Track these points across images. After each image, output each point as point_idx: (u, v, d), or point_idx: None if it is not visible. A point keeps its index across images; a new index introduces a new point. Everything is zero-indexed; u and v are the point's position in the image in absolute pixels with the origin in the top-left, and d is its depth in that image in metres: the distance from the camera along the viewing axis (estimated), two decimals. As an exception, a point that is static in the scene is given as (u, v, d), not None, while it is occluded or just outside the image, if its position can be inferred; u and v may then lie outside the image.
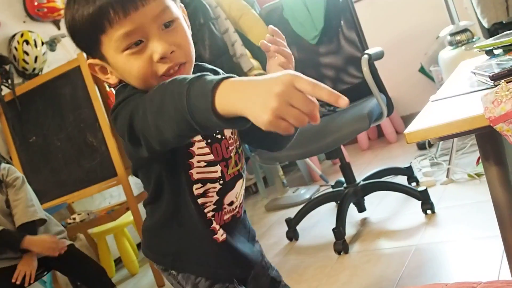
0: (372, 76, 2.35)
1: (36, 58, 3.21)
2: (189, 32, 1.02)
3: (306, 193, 3.35)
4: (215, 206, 1.10)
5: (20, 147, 2.99)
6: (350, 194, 2.53)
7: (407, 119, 3.87)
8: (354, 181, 2.59)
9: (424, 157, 3.06)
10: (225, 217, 1.15)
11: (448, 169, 2.67)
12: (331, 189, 2.91)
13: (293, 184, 3.65)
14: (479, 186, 2.44)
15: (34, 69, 3.23)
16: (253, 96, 0.69)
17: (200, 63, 1.15)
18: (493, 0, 2.57)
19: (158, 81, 0.95)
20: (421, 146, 3.26)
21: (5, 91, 3.00)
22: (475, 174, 2.54)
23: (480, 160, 1.69)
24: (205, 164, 1.07)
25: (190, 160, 1.04)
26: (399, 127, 3.85)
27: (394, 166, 2.98)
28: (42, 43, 3.29)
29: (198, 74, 0.80)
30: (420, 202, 2.39)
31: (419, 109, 3.73)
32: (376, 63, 2.46)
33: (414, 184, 2.76)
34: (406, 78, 3.79)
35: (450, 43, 2.79)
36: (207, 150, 1.06)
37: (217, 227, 1.11)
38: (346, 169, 2.59)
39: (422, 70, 3.75)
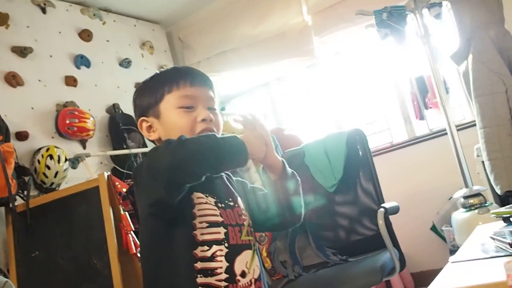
0: (387, 230, 2.35)
1: (56, 173, 3.26)
2: (221, 124, 1.37)
3: None
4: (227, 276, 1.17)
5: (20, 260, 2.92)
6: None
7: (417, 277, 3.78)
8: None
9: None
10: None
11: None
12: None
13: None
14: None
15: (52, 183, 3.27)
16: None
17: None
18: (506, 169, 2.64)
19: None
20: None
21: (19, 201, 3.01)
22: None
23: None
24: (207, 225, 1.20)
25: (193, 222, 1.19)
26: (408, 284, 3.74)
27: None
28: (66, 160, 3.37)
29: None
30: None
31: (429, 267, 3.66)
32: (390, 217, 2.47)
33: None
34: (417, 235, 3.77)
35: (463, 206, 2.82)
36: (213, 212, 1.23)
37: None
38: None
39: (434, 228, 3.74)
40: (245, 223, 1.30)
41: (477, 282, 0.96)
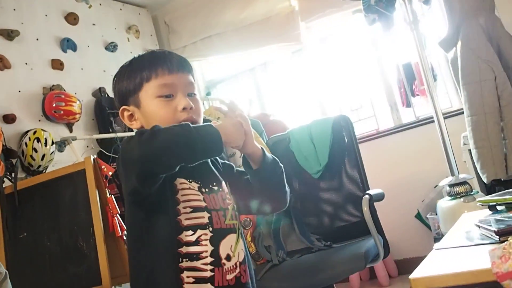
0: (372, 217, 2.37)
1: (43, 156, 3.25)
2: (201, 109, 1.36)
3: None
4: (212, 259, 1.19)
5: (8, 241, 2.92)
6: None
7: (400, 264, 3.82)
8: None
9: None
10: (228, 276, 1.20)
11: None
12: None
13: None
14: None
15: (39, 166, 3.26)
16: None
17: None
18: (492, 158, 2.66)
19: None
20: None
21: (7, 183, 3.00)
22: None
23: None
24: (191, 210, 1.22)
25: (177, 207, 1.20)
26: (392, 271, 3.79)
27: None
28: (52, 143, 3.36)
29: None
30: None
31: (413, 254, 3.71)
32: (375, 204, 2.49)
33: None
34: (402, 222, 3.80)
35: (449, 194, 2.85)
36: (196, 197, 1.24)
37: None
38: (337, 309, 2.52)
39: (418, 216, 3.78)
40: (229, 207, 1.31)
41: (462, 269, 0.97)
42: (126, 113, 1.34)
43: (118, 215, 2.85)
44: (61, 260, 2.84)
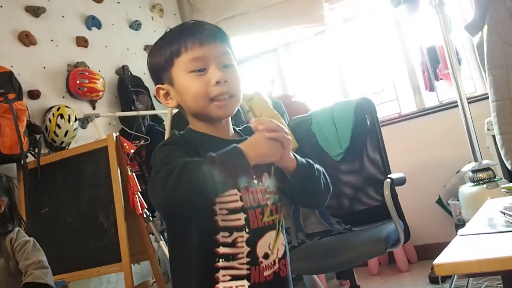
0: (393, 201, 2.35)
1: (66, 132, 3.29)
2: (241, 80, 1.27)
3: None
4: (249, 259, 1.15)
5: (30, 215, 2.98)
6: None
7: (420, 249, 3.81)
8: (361, 305, 2.50)
9: (436, 292, 2.97)
10: (265, 273, 1.16)
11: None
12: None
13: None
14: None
15: (62, 142, 3.30)
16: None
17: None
18: (517, 144, 2.61)
19: (208, 103, 1.21)
20: (433, 280, 3.17)
21: (30, 158, 3.05)
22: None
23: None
24: (227, 212, 1.16)
25: (214, 207, 1.15)
26: (411, 257, 3.78)
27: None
28: (76, 119, 3.39)
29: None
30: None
31: (433, 240, 3.70)
32: (396, 188, 2.47)
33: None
34: (423, 207, 3.78)
35: (472, 180, 2.81)
36: (233, 197, 1.17)
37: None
38: (355, 292, 2.51)
39: (439, 202, 3.75)
40: (268, 202, 1.23)
41: (486, 255, 0.96)
42: (161, 92, 1.29)
43: (139, 192, 2.87)
44: (81, 235, 2.89)
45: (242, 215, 1.16)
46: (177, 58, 1.22)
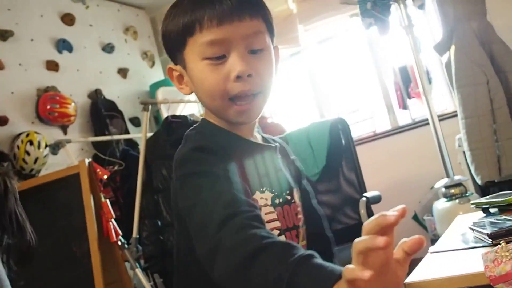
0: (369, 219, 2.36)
1: (36, 159, 3.23)
2: (274, 69, 0.99)
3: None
4: None
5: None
6: None
7: (397, 266, 3.81)
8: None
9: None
10: None
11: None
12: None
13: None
14: None
15: (32, 170, 3.24)
16: None
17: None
18: (486, 160, 2.67)
19: (227, 104, 0.94)
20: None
21: (-2, 188, 2.97)
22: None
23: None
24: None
25: None
26: (389, 274, 3.78)
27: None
28: (46, 146, 3.33)
29: (304, 254, 0.67)
30: None
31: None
32: (372, 206, 2.48)
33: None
34: (399, 224, 3.73)
35: (445, 195, 2.85)
36: (271, 216, 0.97)
37: None
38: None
39: (415, 218, 3.77)
40: (300, 223, 1.04)
41: (455, 272, 0.97)
42: (174, 74, 1.03)
43: (113, 219, 2.82)
44: (55, 267, 2.81)
45: (282, 238, 0.97)
46: (190, 38, 0.94)
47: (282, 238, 0.97)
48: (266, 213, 0.96)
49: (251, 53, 0.94)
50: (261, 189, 0.98)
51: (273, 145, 1.07)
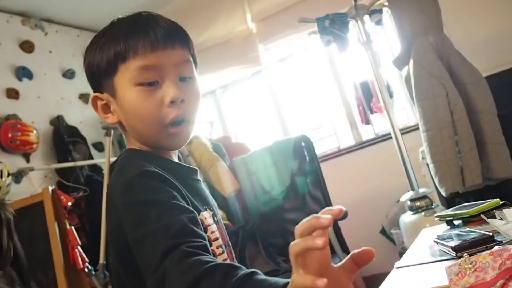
0: (336, 236, 2.38)
1: (-1, 188, 3.16)
2: (200, 98, 1.01)
3: None
4: None
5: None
6: None
7: (368, 280, 3.83)
8: None
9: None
10: None
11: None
12: None
13: None
14: None
15: (-6, 200, 3.16)
16: None
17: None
18: (449, 171, 2.71)
19: (162, 129, 0.95)
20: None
21: (-41, 220, 2.89)
22: None
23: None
24: (221, 250, 0.98)
25: (211, 249, 0.91)
26: (360, 288, 3.80)
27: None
28: (8, 174, 3.26)
29: (247, 271, 0.71)
30: None
31: (380, 270, 3.71)
32: (339, 222, 2.50)
33: None
34: (367, 238, 3.82)
35: (410, 208, 2.88)
36: (217, 234, 0.98)
37: None
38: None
39: (383, 231, 3.81)
40: (229, 242, 1.06)
41: (421, 287, 0.98)
42: (99, 103, 1.01)
43: (79, 246, 2.77)
44: (20, 297, 2.74)
45: (224, 255, 0.99)
46: (122, 64, 0.94)
47: (224, 256, 0.98)
48: (212, 232, 0.97)
49: (181, 80, 0.97)
50: (204, 207, 1.00)
51: (195, 167, 1.10)
